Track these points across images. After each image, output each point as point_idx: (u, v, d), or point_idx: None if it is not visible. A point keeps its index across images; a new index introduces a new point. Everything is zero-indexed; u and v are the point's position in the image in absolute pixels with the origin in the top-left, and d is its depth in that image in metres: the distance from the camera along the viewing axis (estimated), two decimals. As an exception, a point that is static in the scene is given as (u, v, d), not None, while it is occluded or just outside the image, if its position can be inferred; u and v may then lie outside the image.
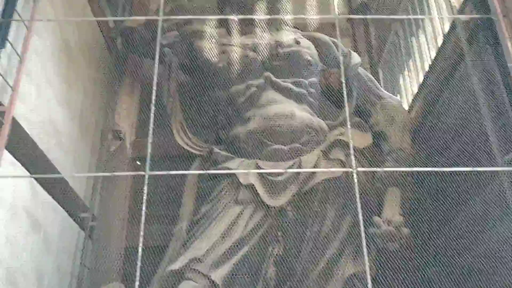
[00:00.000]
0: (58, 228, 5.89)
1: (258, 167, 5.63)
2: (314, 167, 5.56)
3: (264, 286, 5.21)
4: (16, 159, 5.02)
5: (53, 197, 5.74)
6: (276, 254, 5.36)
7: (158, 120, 6.63)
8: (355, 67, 6.66)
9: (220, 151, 5.92)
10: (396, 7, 7.66)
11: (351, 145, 4.41)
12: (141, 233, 4.07)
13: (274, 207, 5.42)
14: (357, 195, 4.05)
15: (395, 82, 7.89)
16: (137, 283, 3.89)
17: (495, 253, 4.49)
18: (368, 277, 3.85)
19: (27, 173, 5.19)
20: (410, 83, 7.38)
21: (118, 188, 6.47)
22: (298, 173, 5.48)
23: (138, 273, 3.91)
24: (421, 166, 5.59)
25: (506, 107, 4.39)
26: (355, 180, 4.10)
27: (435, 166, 5.44)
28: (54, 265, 5.71)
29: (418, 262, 5.04)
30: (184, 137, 6.43)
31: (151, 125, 4.71)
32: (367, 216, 5.39)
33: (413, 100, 6.71)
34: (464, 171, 4.33)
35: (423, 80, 6.34)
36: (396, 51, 7.89)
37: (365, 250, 3.92)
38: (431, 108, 5.97)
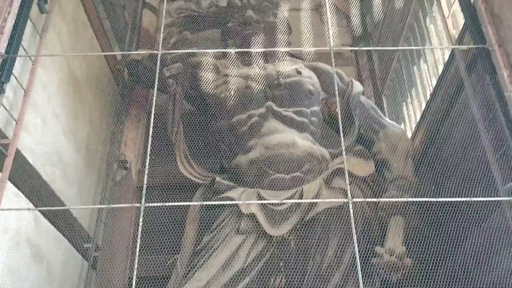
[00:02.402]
0: (61, 258, 5.90)
1: (260, 196, 5.64)
2: (316, 196, 5.55)
3: (266, 318, 5.16)
4: (20, 191, 5.09)
5: (56, 228, 5.77)
6: (278, 285, 5.31)
7: (163, 149, 6.74)
8: (357, 96, 6.70)
9: (223, 180, 5.95)
10: (398, 37, 7.73)
11: (346, 176, 4.40)
12: (135, 265, 4.08)
13: (276, 237, 5.39)
14: (353, 226, 4.03)
15: (399, 110, 7.91)
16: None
17: (500, 284, 4.40)
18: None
19: (31, 204, 5.24)
20: (413, 111, 7.39)
21: (121, 218, 6.50)
22: (300, 202, 5.47)
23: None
24: (424, 195, 5.56)
25: (506, 136, 4.37)
26: (351, 211, 4.07)
27: (438, 195, 5.40)
28: (57, 296, 5.71)
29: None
30: (187, 166, 6.46)
31: (147, 157, 4.75)
32: (370, 245, 5.36)
33: (416, 128, 6.71)
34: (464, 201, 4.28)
35: (425, 108, 6.36)
36: (399, 79, 7.94)
37: (360, 282, 3.85)
38: (433, 136, 5.96)
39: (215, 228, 5.65)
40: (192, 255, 5.71)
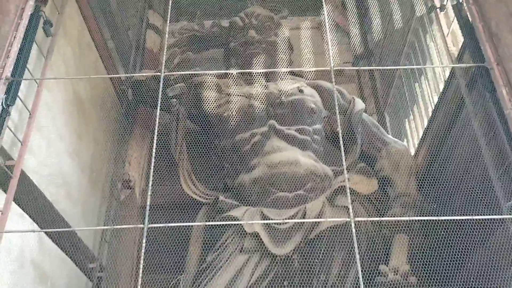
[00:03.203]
0: (66, 279, 5.90)
1: (263, 215, 5.66)
2: (319, 214, 5.57)
3: None
4: (25, 211, 5.12)
5: (61, 248, 5.78)
6: (283, 304, 5.29)
7: (167, 169, 6.79)
8: (359, 113, 6.74)
9: (226, 199, 5.98)
10: (399, 54, 7.80)
11: (348, 194, 4.41)
12: (139, 286, 4.07)
13: (279, 256, 5.39)
14: (355, 245, 4.03)
15: (401, 127, 7.94)
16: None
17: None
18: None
19: (35, 225, 5.27)
20: (416, 128, 7.41)
21: (125, 238, 6.53)
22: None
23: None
24: (427, 212, 5.55)
25: (507, 153, 4.38)
26: (353, 230, 4.08)
27: (442, 212, 5.39)
28: (61, 318, 5.70)
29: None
30: (191, 185, 6.50)
31: (151, 178, 4.78)
32: (374, 263, 5.34)
33: (418, 145, 6.73)
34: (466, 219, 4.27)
35: (427, 125, 6.38)
36: (401, 96, 7.98)
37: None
38: (436, 153, 5.97)
39: (219, 247, 5.65)
40: (196, 274, 5.71)
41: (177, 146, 6.70)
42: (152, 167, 4.86)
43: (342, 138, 6.71)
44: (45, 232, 5.38)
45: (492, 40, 4.49)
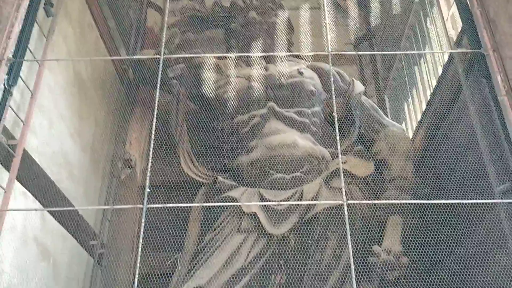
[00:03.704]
0: (68, 255, 6.05)
1: (261, 196, 5.77)
2: (316, 196, 5.66)
3: (267, 315, 5.28)
4: (27, 190, 5.23)
5: (63, 226, 5.91)
6: (279, 282, 5.43)
7: (167, 148, 6.88)
8: (358, 96, 6.78)
9: (224, 180, 6.07)
10: (400, 36, 7.79)
11: (341, 178, 4.49)
12: (138, 264, 4.21)
13: (276, 236, 5.51)
14: (347, 227, 4.13)
15: (401, 110, 7.98)
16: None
17: (494, 284, 4.49)
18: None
19: (38, 203, 5.39)
20: (414, 111, 7.46)
21: (126, 216, 6.65)
22: (299, 201, 5.59)
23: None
24: (423, 195, 5.66)
25: (501, 139, 4.44)
26: (346, 213, 4.18)
27: (437, 196, 5.49)
28: (63, 293, 5.87)
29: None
30: (191, 166, 6.59)
31: (150, 160, 4.87)
32: (369, 244, 5.46)
33: (416, 128, 6.79)
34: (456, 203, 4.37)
35: (425, 109, 6.42)
36: (400, 78, 8.01)
37: (354, 282, 3.95)
38: (432, 137, 6.03)
39: (217, 227, 5.77)
40: (194, 252, 5.85)
41: (177, 127, 6.77)
42: (151, 148, 4.96)
43: (341, 120, 6.81)
44: (48, 211, 5.50)
45: (489, 27, 4.50)
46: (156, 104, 5.08)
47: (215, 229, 5.78)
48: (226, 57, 7.00)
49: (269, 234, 5.49)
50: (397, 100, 8.20)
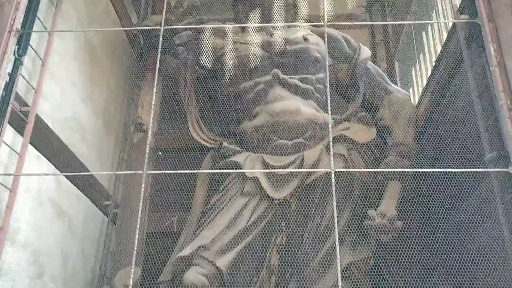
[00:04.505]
0: (83, 215, 6.40)
1: (264, 161, 5.97)
2: (317, 162, 5.83)
3: (267, 273, 5.57)
4: (41, 153, 5.51)
5: (77, 187, 6.24)
6: (279, 243, 5.70)
7: (176, 113, 7.10)
8: (364, 62, 6.80)
9: (229, 145, 6.28)
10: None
11: (331, 147, 4.62)
12: (138, 225, 4.49)
13: (277, 199, 5.74)
14: (334, 194, 4.28)
15: (409, 75, 7.96)
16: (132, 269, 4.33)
17: (485, 250, 4.65)
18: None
19: (52, 166, 5.68)
20: (421, 77, 7.44)
21: (138, 179, 6.95)
22: (301, 166, 5.77)
23: (133, 260, 4.34)
24: (422, 163, 5.77)
25: (495, 109, 4.48)
26: (333, 180, 4.33)
27: (437, 163, 5.61)
28: (79, 249, 6.25)
29: (413, 254, 5.26)
30: (198, 131, 6.80)
31: (151, 126, 5.06)
32: (367, 209, 5.65)
33: (421, 94, 6.81)
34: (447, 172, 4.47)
35: (430, 76, 6.42)
36: (409, 43, 7.95)
37: (337, 245, 4.14)
38: (436, 105, 6.07)
39: (222, 190, 6.04)
40: (201, 214, 6.14)
41: (185, 93, 6.94)
42: (155, 115, 5.16)
43: (346, 86, 6.88)
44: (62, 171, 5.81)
45: (486, -4, 4.46)
46: (156, 77, 5.21)
47: (220, 192, 6.04)
48: (232, 23, 7.05)
49: (271, 197, 5.72)
50: (406, 66, 8.17)
